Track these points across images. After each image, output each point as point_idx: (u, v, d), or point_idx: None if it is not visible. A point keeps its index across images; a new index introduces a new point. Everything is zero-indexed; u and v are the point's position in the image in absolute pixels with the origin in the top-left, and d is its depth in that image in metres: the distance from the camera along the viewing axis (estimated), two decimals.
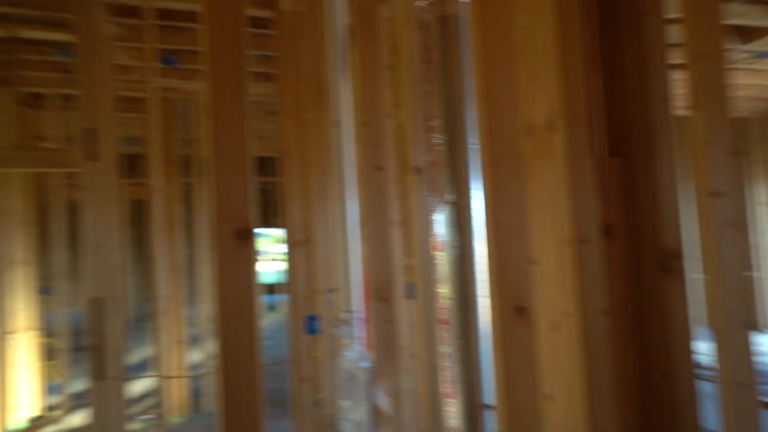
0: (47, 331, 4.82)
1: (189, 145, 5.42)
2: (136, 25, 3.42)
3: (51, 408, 4.86)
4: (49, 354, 4.77)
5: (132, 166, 8.36)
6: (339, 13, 2.12)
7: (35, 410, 4.63)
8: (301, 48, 2.71)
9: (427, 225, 1.11)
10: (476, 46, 0.83)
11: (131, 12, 3.25)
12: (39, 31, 3.17)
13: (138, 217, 10.28)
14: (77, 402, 4.96)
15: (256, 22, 3.76)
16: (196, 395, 4.86)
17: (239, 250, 0.83)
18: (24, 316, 4.45)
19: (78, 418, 4.56)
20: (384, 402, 1.41)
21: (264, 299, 10.74)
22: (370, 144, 1.50)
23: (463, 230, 0.97)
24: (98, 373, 2.75)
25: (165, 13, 3.27)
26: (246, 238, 0.82)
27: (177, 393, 4.61)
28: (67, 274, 4.65)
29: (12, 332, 4.31)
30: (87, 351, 2.75)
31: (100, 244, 2.79)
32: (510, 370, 0.78)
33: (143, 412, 4.73)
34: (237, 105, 0.92)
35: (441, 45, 1.04)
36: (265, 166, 10.43)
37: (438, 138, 1.04)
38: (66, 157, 3.08)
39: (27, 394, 4.52)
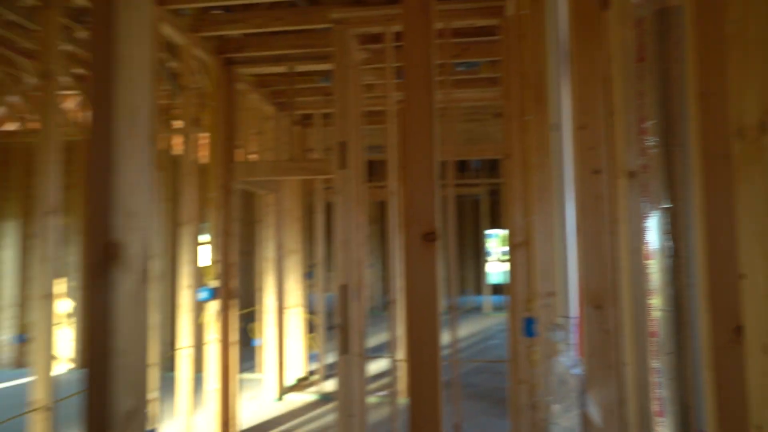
0: (309, 308, 5.86)
1: None
2: (378, 48, 3.92)
3: (311, 373, 5.90)
4: (310, 328, 5.80)
5: (374, 170, 9.44)
6: (561, 16, 2.09)
7: (301, 372, 5.68)
8: (525, 52, 2.73)
9: (640, 232, 1.04)
10: (690, 38, 0.77)
11: (375, 38, 3.74)
12: (309, 64, 3.91)
13: (380, 216, 11.56)
14: (330, 371, 5.90)
15: (483, 30, 3.90)
16: None
17: (425, 251, 0.93)
18: (294, 294, 5.49)
19: (330, 384, 5.43)
20: (594, 412, 1.37)
21: (491, 299, 10.89)
22: (586, 147, 1.47)
23: (678, 238, 0.89)
24: (343, 348, 3.27)
25: (400, 35, 3.67)
26: (431, 240, 0.92)
27: (407, 377, 5.08)
28: (324, 263, 5.56)
29: (286, 307, 5.37)
30: (336, 329, 3.29)
31: (347, 239, 3.31)
32: (723, 396, 0.71)
33: (379, 389, 5.34)
34: (426, 115, 1.03)
35: (657, 40, 0.98)
36: (494, 167, 10.56)
37: (652, 140, 0.97)
38: (325, 166, 3.73)
39: (296, 359, 5.58)
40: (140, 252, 0.68)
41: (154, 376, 3.05)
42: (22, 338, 6.25)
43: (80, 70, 4.75)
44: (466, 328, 8.82)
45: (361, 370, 3.48)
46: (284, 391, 5.25)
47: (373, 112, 5.14)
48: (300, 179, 5.42)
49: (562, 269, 2.05)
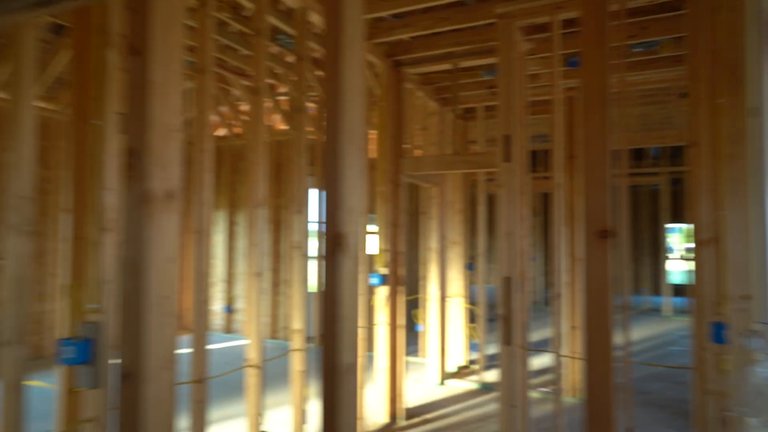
0: (470, 299, 5.97)
1: None
2: (544, 38, 3.83)
3: (471, 362, 6.02)
4: (471, 318, 5.91)
5: (537, 161, 9.12)
6: None
7: (462, 360, 5.83)
8: (718, 26, 2.45)
9: None
10: None
11: (540, 28, 3.66)
12: (473, 59, 3.99)
13: (543, 208, 11.13)
14: (490, 362, 5.95)
15: (666, 6, 3.55)
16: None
17: (599, 247, 0.95)
18: (456, 285, 5.65)
19: (491, 375, 5.48)
20: None
21: (671, 300, 9.78)
22: None
23: None
24: (506, 339, 3.31)
25: (567, 22, 3.53)
26: (604, 237, 0.94)
27: (572, 375, 4.89)
28: (485, 255, 5.61)
29: (448, 296, 5.55)
30: (498, 320, 3.35)
31: (510, 231, 3.33)
32: None
33: (542, 385, 5.24)
34: (600, 104, 1.03)
35: None
36: (676, 154, 9.42)
37: None
38: (488, 159, 3.79)
39: (457, 347, 5.75)
40: (356, 240, 0.86)
41: None
42: (229, 309, 7.47)
43: (274, 82, 5.50)
44: (642, 331, 8.08)
45: (524, 362, 3.48)
46: (445, 376, 5.45)
47: (536, 102, 5.02)
48: (463, 172, 5.54)
49: (759, 270, 1.84)
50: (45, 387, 1.77)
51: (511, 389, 3.27)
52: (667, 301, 9.73)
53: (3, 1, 1.29)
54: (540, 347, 6.72)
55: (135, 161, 1.06)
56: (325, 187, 0.81)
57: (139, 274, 1.05)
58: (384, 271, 4.08)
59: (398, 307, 4.19)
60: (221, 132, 7.42)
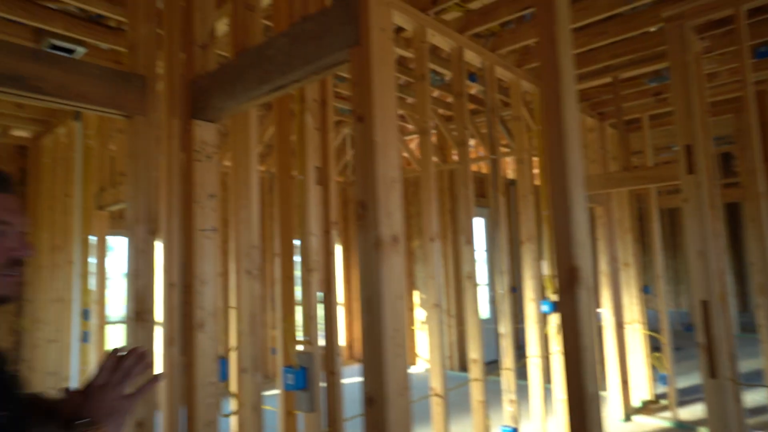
0: (648, 325, 5.41)
1: None
2: (722, 33, 3.47)
3: (658, 396, 5.41)
4: (653, 347, 5.34)
5: (720, 166, 8.08)
6: None
7: (647, 394, 5.28)
8: None
9: None
10: None
11: (716, 24, 3.33)
12: (634, 69, 3.76)
13: (729, 220, 9.74)
14: (683, 397, 5.29)
15: None
16: None
17: None
18: (632, 310, 5.19)
19: (686, 412, 4.86)
20: None
21: None
22: None
23: None
24: (711, 371, 2.94)
25: (752, 11, 3.17)
26: None
27: None
28: (665, 275, 5.08)
29: (625, 323, 5.12)
30: (697, 349, 2.99)
31: (703, 250, 3.00)
32: None
33: (761, 426, 4.50)
34: None
35: None
36: None
37: None
38: (662, 173, 3.48)
39: (640, 379, 5.23)
40: (588, 272, 0.88)
41: (510, 380, 3.40)
42: None
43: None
44: None
45: (736, 398, 3.04)
46: (630, 411, 4.98)
47: (715, 102, 4.51)
48: (629, 189, 5.15)
49: None
50: (269, 409, 2.04)
51: (725, 430, 2.88)
52: None
53: (248, 91, 1.58)
54: (753, 380, 5.79)
55: (365, 212, 1.21)
56: (556, 224, 0.85)
57: (376, 309, 1.18)
58: (555, 298, 3.93)
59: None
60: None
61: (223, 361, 1.88)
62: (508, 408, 3.31)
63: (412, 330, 7.61)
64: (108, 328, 4.25)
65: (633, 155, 5.72)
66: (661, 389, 5.51)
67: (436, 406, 2.80)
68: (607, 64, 3.76)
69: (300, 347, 2.27)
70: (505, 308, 3.35)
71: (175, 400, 1.71)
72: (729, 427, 2.89)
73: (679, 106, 3.02)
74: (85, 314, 4.21)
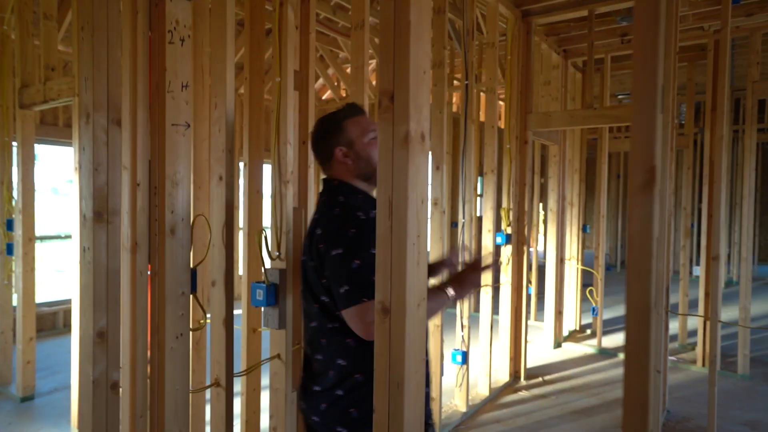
0: (584, 262, 5.75)
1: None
2: None
3: (584, 326, 5.85)
4: (584, 281, 5.70)
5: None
6: None
7: (573, 324, 5.68)
8: None
9: None
10: None
11: None
12: (611, 4, 3.69)
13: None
14: (607, 327, 5.75)
15: None
16: (723, 352, 4.72)
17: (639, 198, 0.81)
18: (571, 247, 5.46)
19: (608, 340, 5.30)
20: None
21: None
22: None
23: None
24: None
25: None
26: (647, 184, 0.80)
27: (704, 344, 4.61)
28: (606, 216, 5.33)
29: (565, 259, 5.38)
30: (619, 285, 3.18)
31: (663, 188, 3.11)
32: None
33: (672, 352, 4.98)
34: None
35: None
36: None
37: None
38: (626, 113, 3.53)
39: (570, 310, 5.60)
40: (663, 173, 0.82)
41: (464, 309, 3.48)
42: None
43: None
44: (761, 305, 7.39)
45: (666, 326, 3.31)
46: (561, 339, 5.35)
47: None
48: (582, 129, 5.25)
49: None
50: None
51: (654, 353, 3.12)
52: None
53: None
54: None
55: (392, 103, 1.07)
56: (637, 125, 0.77)
57: (398, 212, 1.08)
58: (509, 230, 4.02)
59: (521, 268, 4.13)
60: (327, 95, 7.57)
61: (194, 272, 1.73)
62: (460, 333, 3.41)
63: None
64: (38, 245, 3.88)
65: (594, 98, 5.80)
66: (587, 320, 5.96)
67: None
68: None
69: (270, 263, 2.14)
70: (467, 237, 3.37)
71: (140, 312, 1.56)
72: (657, 353, 3.14)
73: (643, 45, 2.99)
74: (7, 225, 3.80)
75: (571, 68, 5.12)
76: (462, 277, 1.39)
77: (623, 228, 10.38)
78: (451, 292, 1.35)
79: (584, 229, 5.74)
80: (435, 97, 3.05)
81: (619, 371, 4.56)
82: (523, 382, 4.26)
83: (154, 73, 1.50)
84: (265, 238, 2.10)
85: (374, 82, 6.68)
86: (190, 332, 1.63)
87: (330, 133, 1.41)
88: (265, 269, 2.09)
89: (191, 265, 1.69)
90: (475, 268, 1.40)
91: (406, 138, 1.07)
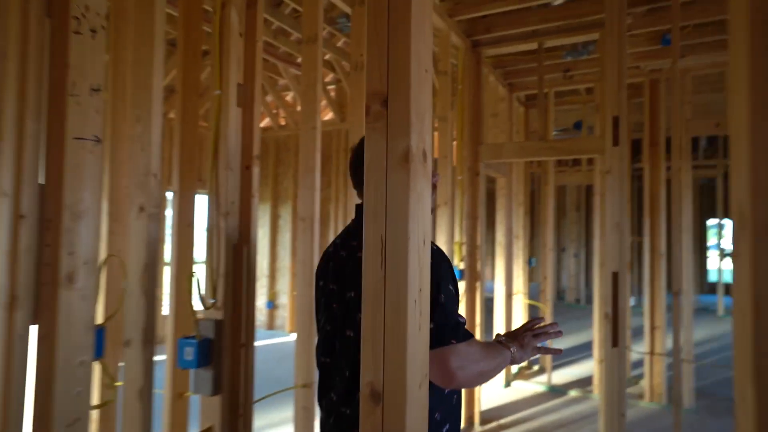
0: (530, 296, 5.68)
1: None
2: (642, 12, 3.52)
3: (531, 362, 5.74)
4: (531, 315, 5.62)
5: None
6: None
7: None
8: None
9: None
10: None
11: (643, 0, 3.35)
12: (562, 38, 3.68)
13: (586, 202, 10.73)
14: (555, 361, 5.66)
15: None
16: (670, 385, 4.72)
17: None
18: (517, 281, 5.36)
19: (557, 376, 5.19)
20: None
21: (724, 300, 9.35)
22: None
23: None
24: (614, 341, 3.02)
25: None
26: None
27: (649, 378, 4.58)
28: (554, 249, 5.30)
29: (513, 293, 5.27)
30: (606, 319, 3.06)
31: (618, 222, 3.04)
32: None
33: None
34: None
35: None
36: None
37: None
38: (582, 145, 3.47)
39: None
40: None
41: None
42: (271, 305, 7.27)
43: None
44: (702, 332, 7.69)
45: (627, 365, 3.20)
46: (510, 378, 5.18)
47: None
48: (525, 163, 5.24)
49: None
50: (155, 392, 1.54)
51: (618, 395, 3.00)
52: (720, 301, 9.32)
53: None
54: (578, 353, 6.39)
55: (384, 110, 0.80)
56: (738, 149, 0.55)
57: (395, 259, 0.79)
58: (461, 265, 3.82)
59: (476, 304, 3.93)
60: (265, 122, 7.22)
61: (100, 332, 1.34)
62: None
63: (294, 296, 7.20)
64: None
65: (531, 132, 5.86)
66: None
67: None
68: (536, 28, 3.65)
69: (202, 313, 1.77)
70: None
71: (15, 392, 1.13)
72: (620, 391, 3.02)
73: (610, 78, 2.99)
74: None
75: (515, 102, 5.13)
76: (520, 337, 1.27)
77: (587, 262, 10.54)
78: (513, 350, 1.22)
79: (530, 263, 5.69)
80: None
81: (571, 411, 4.42)
82: (478, 428, 4.00)
83: (52, 72, 1.14)
84: (198, 281, 1.73)
85: (333, 95, 6.42)
86: (90, 413, 1.23)
87: None
88: (196, 320, 1.72)
89: (97, 322, 1.30)
90: (531, 329, 1.30)
91: (405, 156, 0.80)
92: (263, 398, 2.06)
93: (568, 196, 10.06)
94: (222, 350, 1.72)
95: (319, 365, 1.26)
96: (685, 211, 4.55)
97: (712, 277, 12.28)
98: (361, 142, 1.32)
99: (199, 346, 1.66)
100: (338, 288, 1.20)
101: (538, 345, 1.28)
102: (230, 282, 1.74)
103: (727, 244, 10.72)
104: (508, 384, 5.08)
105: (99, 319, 1.41)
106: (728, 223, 10.59)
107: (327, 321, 1.23)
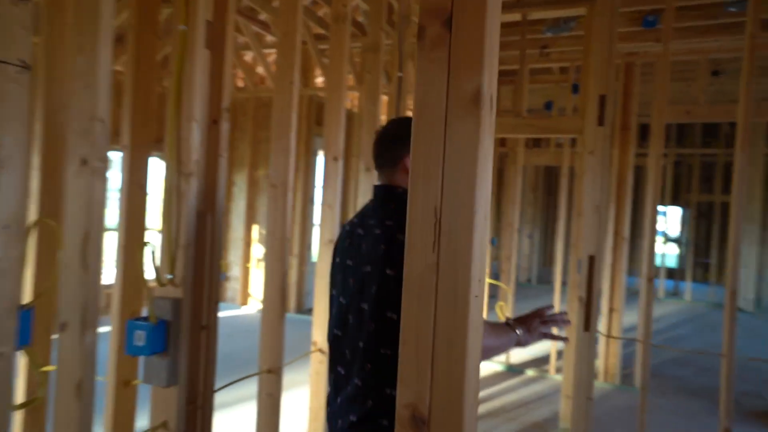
0: (491, 275, 5.65)
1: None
2: None
3: None
4: (491, 295, 5.60)
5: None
6: None
7: None
8: None
9: None
10: None
11: None
12: (547, 10, 3.52)
13: (545, 184, 10.83)
14: None
15: None
16: (624, 365, 4.83)
17: None
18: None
19: (513, 355, 5.22)
20: None
21: (664, 283, 9.80)
22: None
23: None
24: (586, 325, 2.97)
25: None
26: None
27: (605, 359, 4.67)
28: (520, 229, 5.25)
29: None
30: (580, 302, 3.01)
31: (598, 204, 2.95)
32: None
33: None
34: None
35: None
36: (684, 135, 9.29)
37: None
38: (562, 124, 3.36)
39: None
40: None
41: None
42: (223, 276, 6.94)
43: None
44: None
45: (595, 349, 3.18)
46: None
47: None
48: (495, 139, 5.13)
49: None
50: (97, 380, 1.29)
51: (588, 380, 2.97)
52: (662, 284, 9.74)
53: None
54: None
55: (448, 33, 0.59)
56: None
57: (453, 237, 0.59)
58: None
59: None
60: (240, 83, 6.77)
61: (26, 314, 1.07)
62: None
63: (247, 268, 6.90)
64: None
65: (501, 111, 5.73)
66: None
67: (318, 363, 2.28)
68: None
69: (157, 291, 1.52)
70: None
71: None
72: (589, 375, 3.00)
73: (598, 54, 2.86)
74: None
75: None
76: (528, 321, 1.27)
77: (545, 243, 10.69)
78: (519, 332, 1.23)
79: (492, 242, 5.65)
80: (369, 88, 2.59)
81: (530, 390, 4.44)
82: None
83: None
84: (153, 253, 1.47)
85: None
86: (13, 414, 0.97)
87: (405, 139, 0.99)
88: (151, 299, 1.46)
89: (22, 302, 1.03)
90: (540, 315, 1.29)
91: (475, 100, 0.59)
92: (225, 387, 1.84)
93: (526, 177, 10.12)
94: (180, 334, 1.47)
95: (331, 338, 1.26)
96: (650, 197, 4.58)
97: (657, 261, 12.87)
98: (398, 121, 1.30)
99: (153, 330, 1.41)
100: (354, 263, 1.21)
101: (544, 331, 1.29)
102: (191, 255, 1.49)
103: (668, 229, 11.21)
104: None
105: (26, 298, 1.14)
106: (669, 210, 11.07)
107: (342, 294, 1.24)
